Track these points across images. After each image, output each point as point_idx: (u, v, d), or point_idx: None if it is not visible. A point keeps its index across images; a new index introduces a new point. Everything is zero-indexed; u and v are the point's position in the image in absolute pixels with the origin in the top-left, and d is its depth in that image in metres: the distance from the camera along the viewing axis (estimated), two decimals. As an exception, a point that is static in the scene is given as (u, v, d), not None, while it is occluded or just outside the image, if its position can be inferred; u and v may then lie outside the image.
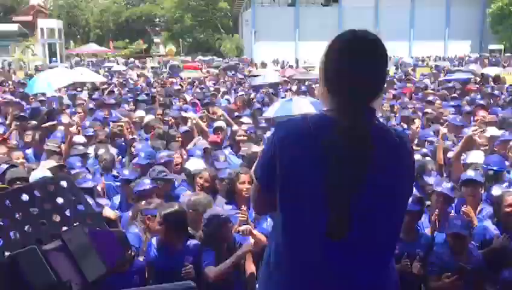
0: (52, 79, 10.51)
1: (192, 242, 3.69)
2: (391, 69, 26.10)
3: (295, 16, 44.96)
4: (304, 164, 1.56)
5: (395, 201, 1.64)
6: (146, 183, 4.43)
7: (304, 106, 7.84)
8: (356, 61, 1.57)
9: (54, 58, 46.81)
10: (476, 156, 5.03)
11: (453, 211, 4.28)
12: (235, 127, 6.33)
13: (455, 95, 11.21)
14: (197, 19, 56.15)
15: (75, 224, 1.24)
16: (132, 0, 64.41)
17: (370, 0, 45.25)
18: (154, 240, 3.70)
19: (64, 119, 7.42)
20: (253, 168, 1.76)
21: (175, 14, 57.28)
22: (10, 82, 15.95)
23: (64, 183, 1.30)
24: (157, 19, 64.49)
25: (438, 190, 4.19)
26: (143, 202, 4.06)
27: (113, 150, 6.25)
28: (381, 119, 2.29)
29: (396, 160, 1.62)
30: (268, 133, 6.37)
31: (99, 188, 4.86)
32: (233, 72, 21.96)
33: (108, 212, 3.85)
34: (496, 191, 4.08)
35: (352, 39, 1.61)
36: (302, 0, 45.87)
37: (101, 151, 5.96)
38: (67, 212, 1.26)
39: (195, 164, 5.06)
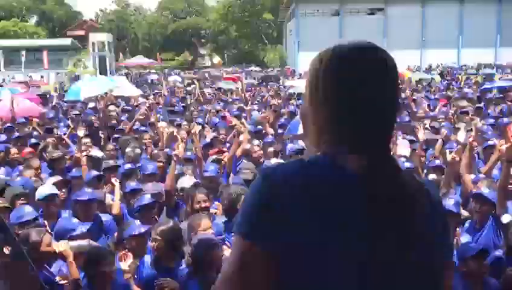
0: (85, 87, 10.77)
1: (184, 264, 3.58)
2: (436, 78, 25.30)
3: (339, 26, 44.43)
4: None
5: None
6: (146, 198, 4.43)
7: None
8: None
9: (111, 71, 48.51)
10: None
11: (458, 231, 3.88)
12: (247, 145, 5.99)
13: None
14: (242, 31, 56.76)
15: None
16: (179, 13, 65.99)
17: (416, 8, 44.07)
18: (147, 258, 3.61)
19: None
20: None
21: (220, 26, 58.19)
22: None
23: None
24: (203, 31, 65.70)
25: None
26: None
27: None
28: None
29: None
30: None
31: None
32: (270, 83, 21.83)
33: (62, 247, 3.29)
34: (506, 218, 3.79)
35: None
36: (347, 9, 45.30)
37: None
38: None
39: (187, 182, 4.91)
